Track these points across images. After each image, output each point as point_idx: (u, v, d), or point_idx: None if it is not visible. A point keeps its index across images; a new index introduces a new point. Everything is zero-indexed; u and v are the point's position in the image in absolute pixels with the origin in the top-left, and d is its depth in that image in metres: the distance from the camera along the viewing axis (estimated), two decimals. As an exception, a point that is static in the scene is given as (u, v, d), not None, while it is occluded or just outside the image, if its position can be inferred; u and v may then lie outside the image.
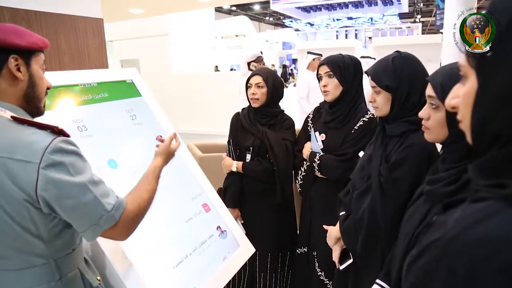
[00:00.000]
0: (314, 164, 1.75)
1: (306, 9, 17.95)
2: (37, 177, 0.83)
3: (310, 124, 1.90)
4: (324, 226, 1.53)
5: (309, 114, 1.95)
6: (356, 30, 22.81)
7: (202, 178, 1.69)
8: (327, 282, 1.77)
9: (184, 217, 1.50)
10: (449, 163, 0.98)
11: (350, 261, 1.40)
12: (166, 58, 8.25)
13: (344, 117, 1.73)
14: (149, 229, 1.34)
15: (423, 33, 21.27)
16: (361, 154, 1.50)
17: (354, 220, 1.34)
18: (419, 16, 20.50)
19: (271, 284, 2.08)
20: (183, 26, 8.58)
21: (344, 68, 1.71)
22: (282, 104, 2.08)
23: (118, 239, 0.99)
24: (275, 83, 1.97)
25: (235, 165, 1.99)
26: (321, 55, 4.26)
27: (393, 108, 1.27)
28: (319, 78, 1.78)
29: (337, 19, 19.85)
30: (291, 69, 15.48)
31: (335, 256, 1.46)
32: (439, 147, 1.09)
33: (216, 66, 11.83)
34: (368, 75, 1.32)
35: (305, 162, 1.84)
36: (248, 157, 1.99)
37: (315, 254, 1.84)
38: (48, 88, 1.01)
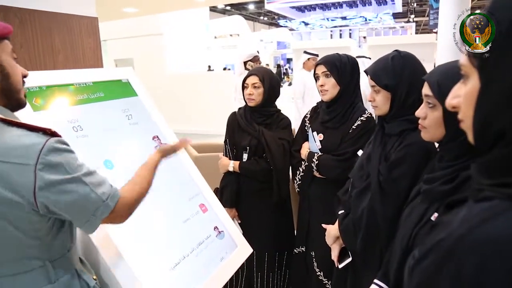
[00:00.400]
0: (312, 164, 1.75)
1: (301, 9, 17.98)
2: (34, 179, 0.81)
3: (307, 124, 1.90)
4: (323, 225, 1.53)
5: (307, 114, 1.95)
6: (350, 29, 22.91)
7: (199, 178, 1.68)
8: (326, 281, 1.78)
9: (181, 217, 1.49)
10: (445, 161, 0.99)
11: (349, 259, 1.40)
12: (160, 58, 8.22)
13: (342, 116, 1.73)
14: (146, 230, 1.33)
15: (416, 33, 21.42)
16: (360, 153, 1.50)
17: (353, 219, 1.34)
18: (412, 16, 20.64)
19: (269, 284, 2.08)
20: (178, 26, 8.55)
21: (341, 68, 1.71)
22: (276, 103, 2.07)
23: (115, 223, 0.99)
24: (272, 82, 1.97)
25: (232, 165, 1.99)
26: (317, 55, 4.27)
27: (393, 107, 1.27)
28: (316, 78, 1.78)
29: (332, 19, 19.92)
30: (286, 69, 15.51)
31: (334, 255, 1.46)
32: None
33: (209, 66, 11.80)
34: (367, 74, 1.32)
35: (303, 162, 1.84)
36: (245, 156, 1.99)
37: (313, 253, 1.85)
38: (24, 76, 0.95)
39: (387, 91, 1.26)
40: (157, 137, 1.59)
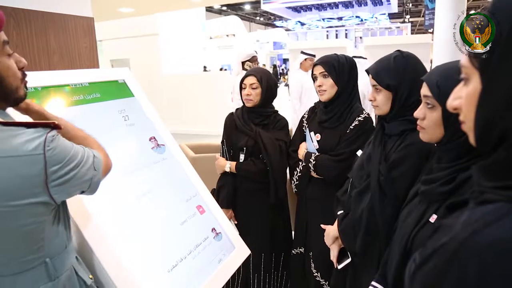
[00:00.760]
0: (310, 165, 1.75)
1: (297, 9, 18.03)
2: (45, 163, 0.82)
3: (305, 124, 1.89)
4: (322, 226, 1.53)
5: (304, 114, 1.95)
6: (346, 30, 22.99)
7: (196, 179, 1.67)
8: (324, 282, 1.77)
9: (179, 219, 1.48)
10: (444, 162, 0.98)
11: (348, 260, 1.40)
12: (157, 58, 8.20)
13: (339, 116, 1.73)
14: (144, 233, 1.31)
15: (412, 33, 21.53)
16: (359, 153, 1.49)
17: (353, 219, 1.33)
18: (408, 16, 20.75)
19: (265, 285, 2.07)
20: (174, 26, 8.53)
21: (339, 68, 1.71)
22: (273, 104, 2.07)
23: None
24: (270, 83, 1.96)
25: (229, 166, 1.98)
26: (314, 55, 4.27)
27: (393, 107, 1.27)
28: (314, 78, 1.78)
29: (328, 20, 19.97)
30: (282, 69, 15.52)
31: (333, 256, 1.45)
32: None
33: (205, 67, 11.77)
34: (368, 74, 1.31)
35: (300, 163, 1.84)
36: (242, 157, 1.98)
37: (311, 254, 1.84)
38: (22, 68, 0.91)
39: (389, 91, 1.26)
40: (154, 138, 1.58)
